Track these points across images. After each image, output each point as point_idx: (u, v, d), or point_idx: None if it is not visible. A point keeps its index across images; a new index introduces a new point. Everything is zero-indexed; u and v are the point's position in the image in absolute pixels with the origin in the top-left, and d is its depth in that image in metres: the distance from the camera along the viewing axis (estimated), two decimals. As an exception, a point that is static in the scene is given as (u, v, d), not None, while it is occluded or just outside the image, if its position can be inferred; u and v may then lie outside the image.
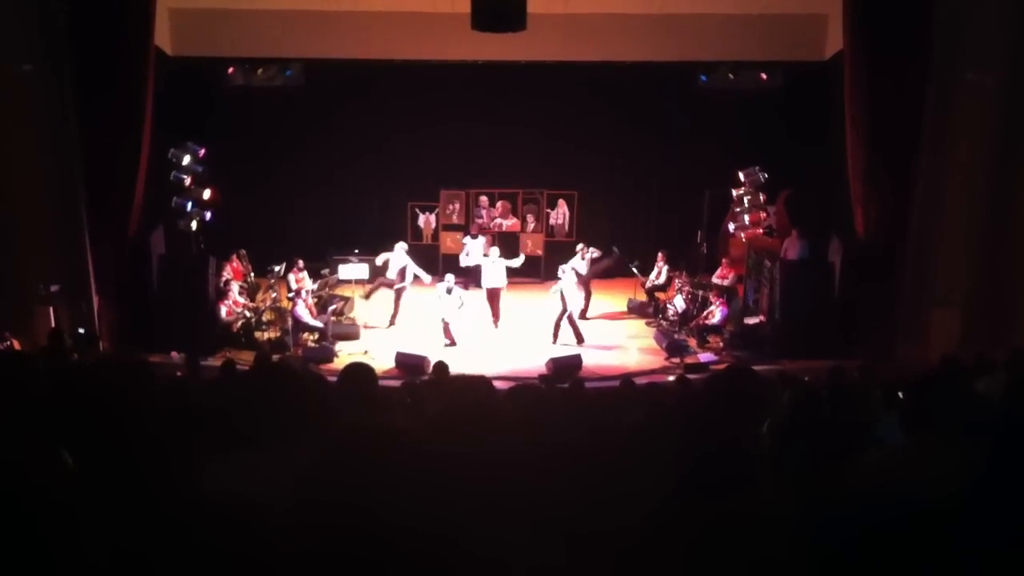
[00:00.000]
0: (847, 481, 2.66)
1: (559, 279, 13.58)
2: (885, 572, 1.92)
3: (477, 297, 14.39)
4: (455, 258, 16.06)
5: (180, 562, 1.83)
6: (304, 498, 1.69)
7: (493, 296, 14.28)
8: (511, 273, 14.63)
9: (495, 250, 14.76)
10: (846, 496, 2.24)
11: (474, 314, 13.99)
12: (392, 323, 14.43)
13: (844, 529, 2.03)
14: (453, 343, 13.24)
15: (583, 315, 14.37)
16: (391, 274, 14.61)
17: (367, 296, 15.13)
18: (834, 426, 4.62)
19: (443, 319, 13.38)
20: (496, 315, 14.30)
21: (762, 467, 2.41)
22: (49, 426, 2.96)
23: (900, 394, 5.65)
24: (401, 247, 14.75)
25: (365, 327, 14.25)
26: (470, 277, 15.29)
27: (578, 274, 14.04)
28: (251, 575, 1.79)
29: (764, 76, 16.21)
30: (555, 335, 13.51)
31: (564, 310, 13.40)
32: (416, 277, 14.54)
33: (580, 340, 13.47)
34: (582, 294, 14.18)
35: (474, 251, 15.35)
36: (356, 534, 1.61)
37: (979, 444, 2.49)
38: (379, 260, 14.96)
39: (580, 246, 14.87)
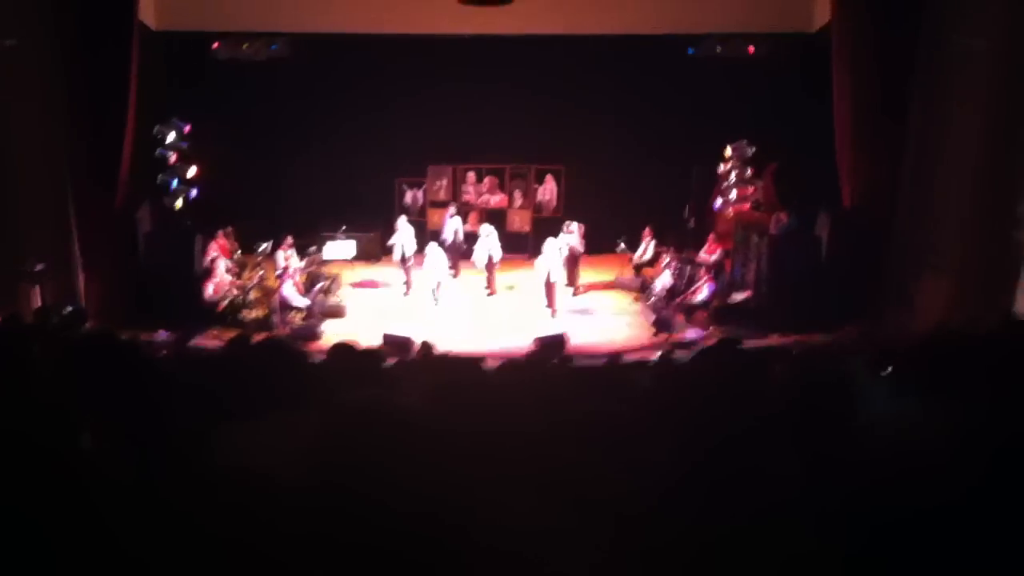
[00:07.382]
0: (850, 449, 2.68)
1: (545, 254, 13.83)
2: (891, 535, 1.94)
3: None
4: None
5: (187, 542, 1.81)
6: (312, 477, 1.68)
7: (491, 268, 14.73)
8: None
9: (487, 226, 14.99)
10: (851, 463, 2.25)
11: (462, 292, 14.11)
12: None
13: (851, 498, 2.05)
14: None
15: (575, 291, 14.47)
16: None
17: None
18: (830, 397, 4.63)
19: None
20: (492, 285, 14.78)
21: (763, 432, 2.42)
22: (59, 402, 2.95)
23: (896, 361, 5.69)
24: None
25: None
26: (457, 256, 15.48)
27: (572, 250, 14.35)
28: (257, 557, 1.78)
29: (752, 48, 16.14)
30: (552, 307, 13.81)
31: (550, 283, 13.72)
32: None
33: (554, 311, 13.76)
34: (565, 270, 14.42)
35: (449, 229, 15.76)
36: (364, 514, 1.60)
37: (978, 408, 2.50)
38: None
39: (567, 223, 15.04)
